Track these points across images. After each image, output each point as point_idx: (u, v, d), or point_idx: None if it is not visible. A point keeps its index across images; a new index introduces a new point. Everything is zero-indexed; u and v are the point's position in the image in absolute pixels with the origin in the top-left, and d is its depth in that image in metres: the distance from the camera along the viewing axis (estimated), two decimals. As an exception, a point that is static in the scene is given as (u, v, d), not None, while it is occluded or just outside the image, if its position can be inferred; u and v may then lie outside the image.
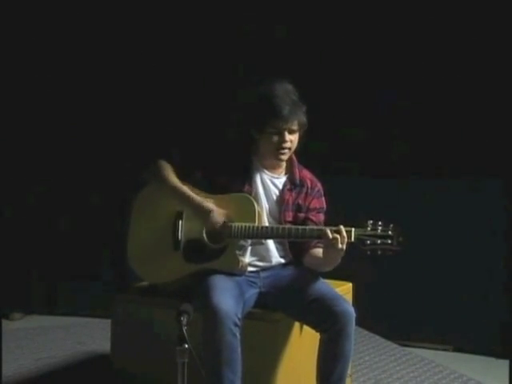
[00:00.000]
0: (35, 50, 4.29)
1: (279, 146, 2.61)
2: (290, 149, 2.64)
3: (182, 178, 2.70)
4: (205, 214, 2.60)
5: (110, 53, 4.29)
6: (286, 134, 2.59)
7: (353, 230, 2.43)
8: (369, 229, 2.43)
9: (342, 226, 2.42)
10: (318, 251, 2.62)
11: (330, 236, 2.41)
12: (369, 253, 2.43)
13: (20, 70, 4.27)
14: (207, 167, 2.71)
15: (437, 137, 3.94)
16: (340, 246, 2.39)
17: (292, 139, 2.62)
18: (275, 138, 2.60)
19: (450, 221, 3.90)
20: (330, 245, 2.42)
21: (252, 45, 4.15)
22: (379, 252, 2.43)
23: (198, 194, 2.66)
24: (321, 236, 2.46)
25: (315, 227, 2.55)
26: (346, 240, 2.40)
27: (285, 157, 2.66)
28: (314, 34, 4.07)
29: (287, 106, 2.55)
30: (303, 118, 2.61)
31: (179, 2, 4.20)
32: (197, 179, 2.71)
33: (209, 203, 2.61)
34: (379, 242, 2.42)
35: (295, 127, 2.60)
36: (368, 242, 2.42)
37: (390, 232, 2.42)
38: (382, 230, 2.42)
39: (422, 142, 3.98)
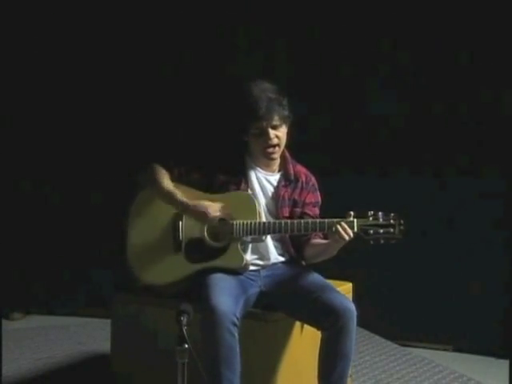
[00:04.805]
0: (36, 51, 4.30)
1: (266, 145, 2.63)
2: (278, 145, 2.65)
3: (178, 179, 2.72)
4: (200, 214, 2.61)
5: (106, 55, 4.29)
6: (270, 130, 2.61)
7: (355, 220, 2.46)
8: (371, 219, 2.46)
9: (351, 212, 2.46)
10: (318, 241, 2.67)
11: (340, 228, 2.43)
12: (372, 242, 2.47)
13: (21, 71, 4.29)
14: (203, 168, 2.73)
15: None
16: (346, 238, 2.43)
17: (278, 134, 2.63)
18: (261, 138, 2.62)
19: (449, 220, 3.90)
20: (336, 236, 2.45)
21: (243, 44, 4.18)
22: (382, 241, 2.46)
23: (194, 195, 2.67)
24: (324, 228, 2.49)
25: (318, 220, 2.56)
26: (350, 232, 2.44)
27: (275, 155, 2.68)
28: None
29: (263, 104, 2.56)
30: (283, 112, 2.62)
31: (172, 8, 4.21)
32: (193, 180, 2.72)
33: (202, 202, 2.62)
34: (382, 231, 2.45)
35: (277, 122, 2.61)
36: (371, 231, 2.46)
37: (391, 221, 2.46)
38: (383, 220, 2.46)
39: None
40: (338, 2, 4.04)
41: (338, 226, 2.44)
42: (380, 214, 2.46)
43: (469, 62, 3.81)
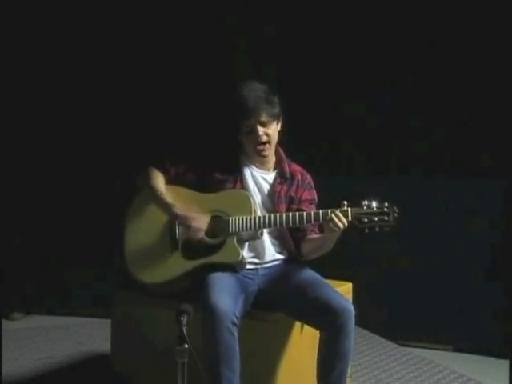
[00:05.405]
0: (35, 51, 4.30)
1: (256, 142, 2.67)
2: (268, 142, 2.68)
3: (175, 180, 2.76)
4: (187, 227, 2.64)
5: (103, 57, 4.29)
6: (259, 127, 2.65)
7: (349, 209, 2.47)
8: (364, 208, 2.48)
9: (345, 202, 2.47)
10: (314, 236, 2.69)
11: (334, 217, 2.44)
12: (367, 231, 2.47)
13: (19, 73, 4.29)
14: (198, 169, 2.77)
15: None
16: (341, 226, 2.44)
17: (268, 132, 2.67)
18: (251, 135, 2.67)
19: (449, 221, 3.90)
20: (330, 225, 2.46)
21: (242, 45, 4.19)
22: (377, 229, 2.47)
23: (190, 196, 2.71)
24: (319, 219, 2.51)
25: (312, 211, 2.58)
26: (345, 220, 2.44)
27: (266, 152, 2.71)
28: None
29: (250, 102, 2.61)
30: (272, 109, 2.65)
31: (170, 6, 4.21)
32: (188, 181, 2.76)
33: (191, 214, 2.63)
34: (376, 218, 2.47)
35: (265, 119, 2.64)
36: (365, 219, 2.47)
37: (385, 209, 2.47)
38: (377, 208, 2.47)
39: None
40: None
41: (333, 215, 2.46)
42: (374, 202, 2.48)
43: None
